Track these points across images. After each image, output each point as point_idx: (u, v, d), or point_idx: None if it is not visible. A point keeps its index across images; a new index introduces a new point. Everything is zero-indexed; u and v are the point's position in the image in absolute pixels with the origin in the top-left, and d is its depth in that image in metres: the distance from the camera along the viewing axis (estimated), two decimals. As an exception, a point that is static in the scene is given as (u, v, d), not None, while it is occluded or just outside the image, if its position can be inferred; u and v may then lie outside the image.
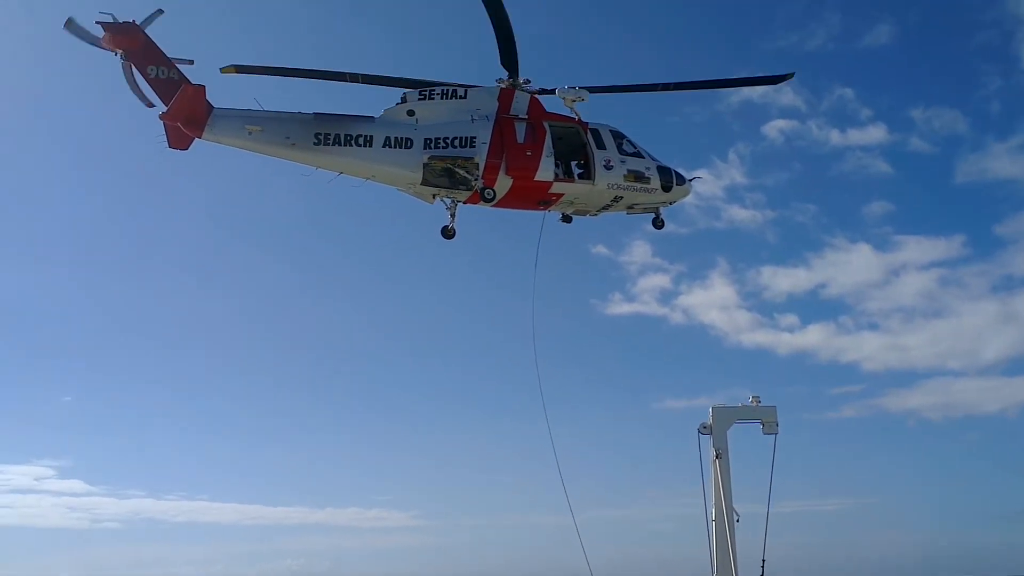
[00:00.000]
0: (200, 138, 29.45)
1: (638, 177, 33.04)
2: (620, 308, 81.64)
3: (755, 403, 35.04)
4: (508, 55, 30.97)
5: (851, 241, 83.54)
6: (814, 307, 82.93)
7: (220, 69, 30.46)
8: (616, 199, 33.12)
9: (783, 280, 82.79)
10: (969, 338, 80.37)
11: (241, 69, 30.65)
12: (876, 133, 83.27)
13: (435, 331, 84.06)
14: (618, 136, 33.23)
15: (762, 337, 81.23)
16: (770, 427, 34.62)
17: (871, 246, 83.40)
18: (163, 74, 29.15)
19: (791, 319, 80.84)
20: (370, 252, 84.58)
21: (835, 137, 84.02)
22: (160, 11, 29.28)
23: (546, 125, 32.01)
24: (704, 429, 34.50)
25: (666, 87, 33.39)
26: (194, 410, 77.51)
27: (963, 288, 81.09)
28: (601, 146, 32.63)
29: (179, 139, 29.75)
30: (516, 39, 30.28)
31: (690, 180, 34.86)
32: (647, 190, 33.32)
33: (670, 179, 33.82)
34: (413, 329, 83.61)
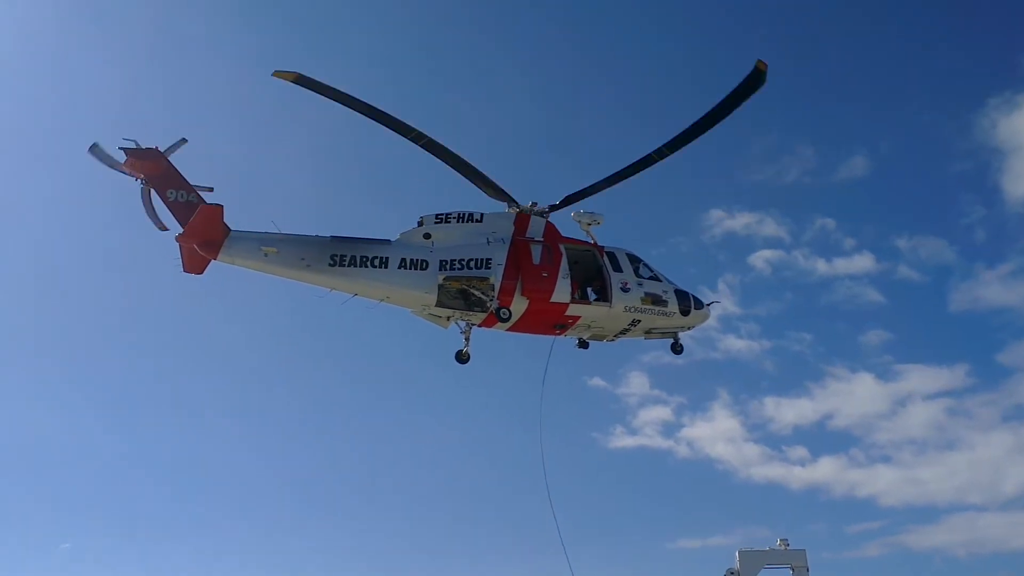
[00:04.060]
0: (216, 260, 29.39)
1: (655, 300, 32.64)
2: (623, 441, 79.49)
3: (783, 546, 33.48)
4: (490, 187, 31.42)
5: (851, 371, 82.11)
6: (822, 439, 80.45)
7: (273, 73, 27.42)
8: (634, 323, 32.60)
9: (787, 411, 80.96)
10: (987, 471, 77.57)
11: (301, 80, 27.54)
12: (863, 262, 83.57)
13: (439, 467, 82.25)
14: (634, 260, 33.12)
15: (772, 471, 78.51)
16: (800, 572, 32.95)
17: (873, 375, 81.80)
18: (182, 197, 29.52)
19: (801, 452, 78.24)
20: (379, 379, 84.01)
21: (822, 266, 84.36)
22: (184, 140, 29.97)
23: (562, 248, 31.94)
24: (732, 575, 32.76)
25: (660, 154, 31.40)
26: (201, 557, 74.24)
27: (973, 419, 79.02)
28: (618, 269, 32.44)
29: (194, 262, 29.71)
30: (485, 172, 30.72)
31: (708, 304, 34.46)
32: (665, 314, 32.83)
33: (688, 303, 33.43)
34: (416, 465, 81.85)
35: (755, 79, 29.31)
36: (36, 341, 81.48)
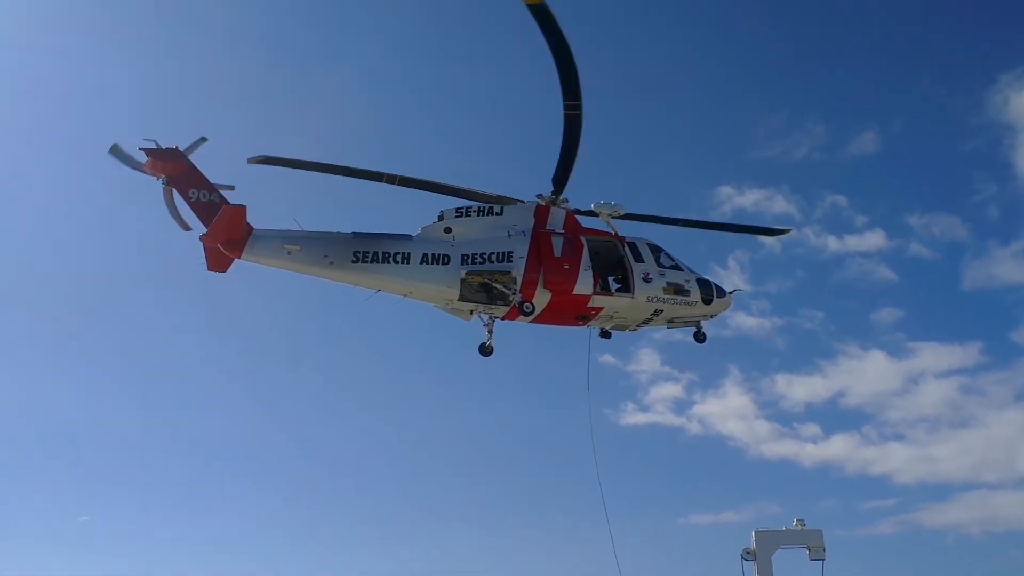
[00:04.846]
0: (240, 259, 29.52)
1: (678, 290, 32.61)
2: (635, 418, 79.43)
3: (799, 526, 33.45)
4: (563, 175, 31.11)
5: (864, 348, 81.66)
6: (835, 416, 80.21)
7: (248, 160, 29.48)
8: (656, 312, 32.60)
9: (799, 389, 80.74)
10: (1001, 449, 77.37)
11: (269, 160, 29.72)
12: (874, 239, 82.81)
13: (468, 452, 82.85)
14: (656, 249, 33.04)
15: (784, 448, 78.50)
16: (816, 552, 32.89)
17: (885, 353, 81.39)
18: (204, 197, 29.52)
19: (813, 429, 78.11)
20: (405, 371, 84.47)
21: (833, 243, 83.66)
22: (203, 139, 29.91)
23: (583, 239, 31.88)
24: (747, 555, 32.87)
25: (686, 223, 34.77)
26: (220, 534, 75.11)
27: (986, 397, 78.62)
28: (639, 259, 32.39)
29: (218, 261, 29.82)
30: (576, 160, 30.41)
31: (731, 292, 34.43)
32: (687, 303, 32.82)
33: (710, 292, 33.40)
34: (446, 451, 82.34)
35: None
36: (64, 332, 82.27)
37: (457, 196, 31.67)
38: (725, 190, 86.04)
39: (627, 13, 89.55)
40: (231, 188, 30.20)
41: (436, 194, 31.50)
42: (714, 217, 79.10)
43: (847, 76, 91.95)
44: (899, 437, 78.85)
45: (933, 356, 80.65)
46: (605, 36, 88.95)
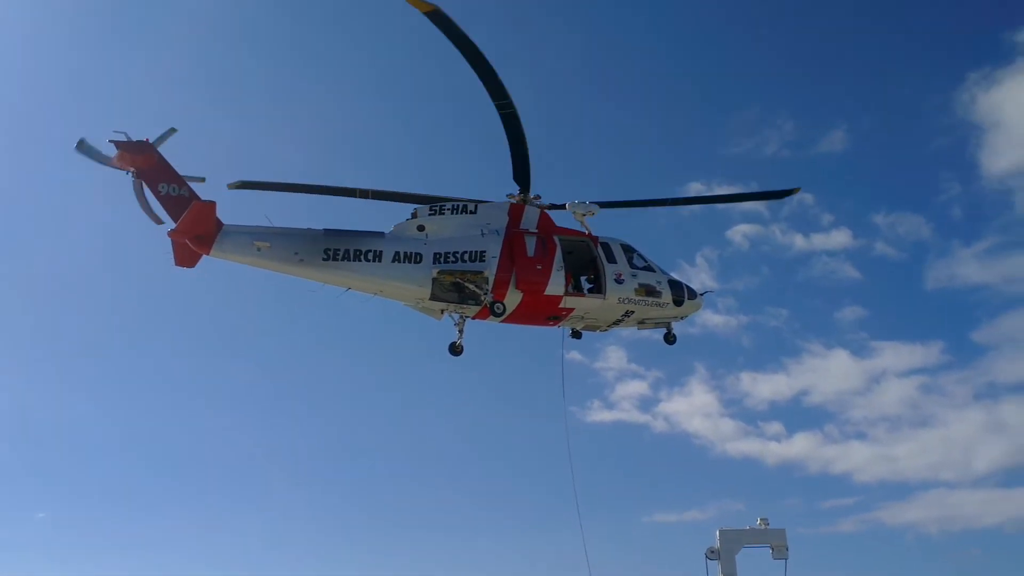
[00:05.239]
0: (208, 255, 29.20)
1: (649, 291, 32.69)
2: (601, 415, 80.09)
3: (763, 526, 33.97)
4: (521, 172, 31.01)
5: (827, 347, 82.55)
6: (798, 415, 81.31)
7: (228, 185, 31.08)
8: (627, 313, 32.68)
9: (763, 387, 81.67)
10: (959, 448, 78.75)
11: (247, 185, 31.15)
12: (840, 238, 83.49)
13: (436, 451, 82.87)
14: (628, 250, 33.07)
15: (748, 447, 79.54)
16: (780, 552, 33.49)
17: (848, 352, 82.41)
18: (174, 191, 29.09)
19: (776, 427, 79.14)
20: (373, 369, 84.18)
21: (799, 242, 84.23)
22: (173, 129, 29.46)
23: (556, 239, 31.83)
24: (712, 554, 33.41)
25: (675, 202, 33.62)
26: (180, 534, 74.80)
27: (946, 396, 79.76)
28: (612, 260, 32.42)
29: (186, 256, 29.48)
30: (530, 157, 30.36)
31: (702, 294, 34.56)
32: (659, 304, 32.92)
33: (681, 293, 33.51)
34: (412, 450, 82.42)
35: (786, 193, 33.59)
36: (29, 328, 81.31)
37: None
38: (695, 186, 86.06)
39: (600, 9, 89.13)
40: (201, 180, 29.84)
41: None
42: (685, 213, 79.62)
43: (817, 73, 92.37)
44: (860, 436, 79.97)
45: (895, 355, 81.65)
46: (577, 32, 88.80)
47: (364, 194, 30.83)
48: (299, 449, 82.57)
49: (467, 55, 26.36)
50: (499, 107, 28.18)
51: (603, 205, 32.40)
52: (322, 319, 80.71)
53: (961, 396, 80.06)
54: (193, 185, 29.40)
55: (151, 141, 28.97)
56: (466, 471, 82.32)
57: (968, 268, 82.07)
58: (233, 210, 29.85)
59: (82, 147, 28.58)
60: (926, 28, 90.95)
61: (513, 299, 30.78)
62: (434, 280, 30.20)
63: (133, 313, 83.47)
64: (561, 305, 31.51)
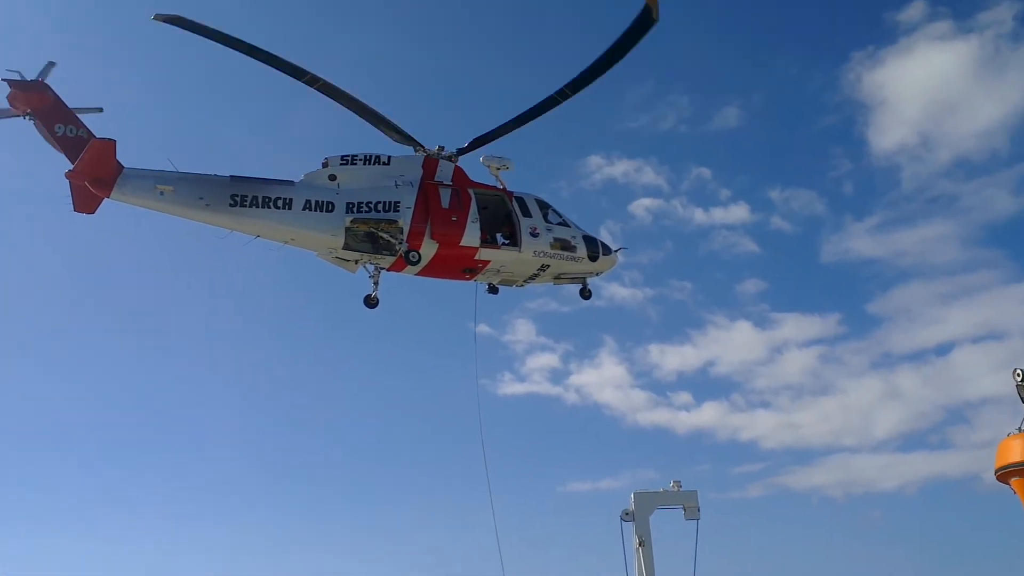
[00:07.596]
0: (108, 198, 28.06)
1: (564, 246, 32.74)
2: (512, 388, 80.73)
3: (676, 488, 34.41)
4: (394, 133, 30.89)
5: (731, 319, 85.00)
6: (706, 385, 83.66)
7: (154, 16, 25.92)
8: (543, 268, 32.64)
9: (672, 358, 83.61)
10: (858, 415, 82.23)
11: (177, 21, 26.09)
12: (739, 212, 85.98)
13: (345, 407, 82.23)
14: (543, 205, 33.11)
15: (659, 416, 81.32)
16: (692, 512, 34.02)
17: (751, 323, 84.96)
18: (71, 132, 27.96)
19: (685, 397, 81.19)
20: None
21: (699, 216, 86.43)
22: (52, 63, 28.60)
23: (471, 192, 31.68)
24: (626, 516, 33.72)
25: (563, 96, 30.69)
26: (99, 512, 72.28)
27: (844, 366, 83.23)
28: (527, 214, 32.40)
29: (86, 201, 28.27)
30: (388, 116, 30.20)
31: (616, 250, 34.77)
32: (574, 259, 32.98)
33: (596, 249, 33.65)
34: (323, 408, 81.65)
35: (647, 17, 28.30)
36: None
37: (369, 120, 30.39)
38: (595, 160, 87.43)
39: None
40: (99, 110, 28.98)
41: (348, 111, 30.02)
42: (587, 186, 79.97)
43: (709, 49, 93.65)
44: (765, 404, 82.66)
45: (795, 326, 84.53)
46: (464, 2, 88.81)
47: (314, 81, 28.47)
48: (206, 407, 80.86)
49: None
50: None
51: (485, 138, 31.84)
52: (232, 271, 79.06)
53: (859, 365, 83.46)
54: (91, 116, 28.44)
55: (44, 80, 27.93)
56: (378, 430, 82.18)
57: (861, 242, 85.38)
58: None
59: None
60: (813, 6, 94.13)
61: (429, 249, 30.46)
62: (347, 229, 29.66)
63: (32, 260, 79.54)
64: (476, 257, 31.32)
